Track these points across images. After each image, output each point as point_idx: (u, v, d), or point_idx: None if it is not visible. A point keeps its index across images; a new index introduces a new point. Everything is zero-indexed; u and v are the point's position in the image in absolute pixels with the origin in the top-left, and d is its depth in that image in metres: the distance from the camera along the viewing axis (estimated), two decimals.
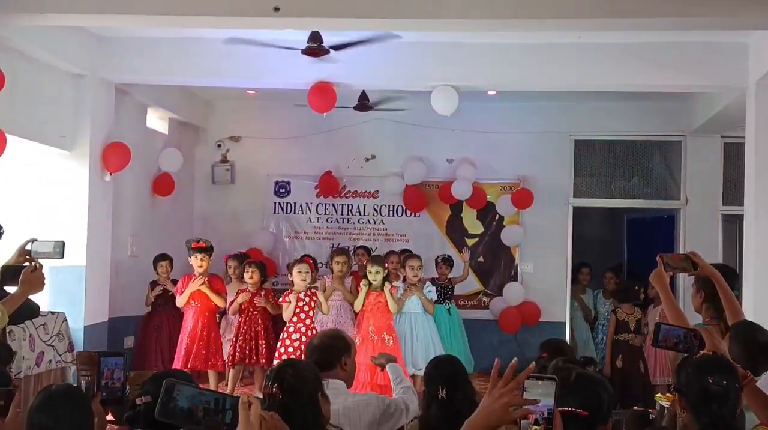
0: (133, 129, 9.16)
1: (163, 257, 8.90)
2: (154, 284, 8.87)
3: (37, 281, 3.96)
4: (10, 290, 4.08)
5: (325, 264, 9.84)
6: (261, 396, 2.93)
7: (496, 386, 2.28)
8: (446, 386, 3.50)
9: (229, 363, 8.34)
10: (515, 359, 2.34)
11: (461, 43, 7.87)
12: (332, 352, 3.93)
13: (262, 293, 8.36)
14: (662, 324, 3.19)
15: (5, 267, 4.10)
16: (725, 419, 2.76)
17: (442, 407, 3.48)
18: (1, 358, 3.86)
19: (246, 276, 8.47)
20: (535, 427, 2.35)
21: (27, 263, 4.11)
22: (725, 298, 3.80)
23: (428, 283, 8.46)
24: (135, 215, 9.39)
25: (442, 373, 3.57)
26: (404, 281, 8.25)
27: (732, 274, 4.00)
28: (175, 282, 8.64)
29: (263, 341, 8.29)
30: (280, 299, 7.89)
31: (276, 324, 8.39)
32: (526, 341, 10.15)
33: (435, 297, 8.37)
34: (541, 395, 2.36)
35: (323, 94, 8.19)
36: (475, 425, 2.30)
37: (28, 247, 4.34)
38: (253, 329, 8.31)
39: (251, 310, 8.34)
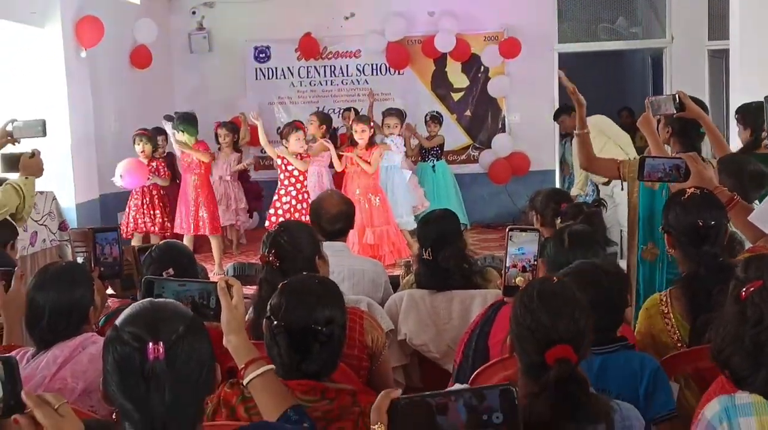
0: (105, 1, 8.87)
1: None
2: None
3: (36, 167, 4.06)
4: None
5: None
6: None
7: None
8: (431, 246, 3.57)
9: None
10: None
11: None
12: (352, 219, 4.14)
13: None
14: (647, 157, 3.10)
15: (2, 155, 4.08)
16: (716, 256, 2.78)
17: (428, 266, 3.59)
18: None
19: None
20: (520, 276, 2.42)
21: (27, 150, 4.11)
22: (713, 136, 3.80)
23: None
24: (115, 90, 9.20)
25: (428, 232, 3.62)
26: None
27: (703, 106, 3.92)
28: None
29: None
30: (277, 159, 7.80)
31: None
32: (516, 192, 10.24)
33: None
34: (526, 243, 2.41)
35: None
36: None
37: (9, 128, 4.28)
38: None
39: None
